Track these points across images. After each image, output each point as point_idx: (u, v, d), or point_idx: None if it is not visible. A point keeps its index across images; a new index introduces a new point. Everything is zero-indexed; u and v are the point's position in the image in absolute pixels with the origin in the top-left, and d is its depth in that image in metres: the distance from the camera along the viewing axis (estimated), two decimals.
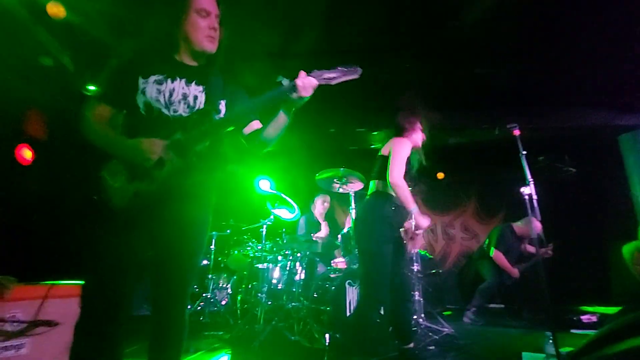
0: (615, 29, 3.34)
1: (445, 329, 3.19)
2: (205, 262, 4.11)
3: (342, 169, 3.24)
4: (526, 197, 2.16)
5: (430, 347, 2.80)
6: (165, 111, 1.31)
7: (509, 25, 3.24)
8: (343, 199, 4.37)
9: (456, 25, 3.14)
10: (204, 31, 1.35)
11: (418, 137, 2.36)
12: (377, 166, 2.31)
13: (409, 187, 2.12)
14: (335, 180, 3.41)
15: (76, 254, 1.22)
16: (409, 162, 2.19)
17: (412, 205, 2.06)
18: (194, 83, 1.37)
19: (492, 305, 4.37)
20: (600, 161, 5.29)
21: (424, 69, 3.79)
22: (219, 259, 4.17)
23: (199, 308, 3.78)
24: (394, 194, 2.13)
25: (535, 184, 2.20)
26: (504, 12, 3.06)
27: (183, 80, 1.35)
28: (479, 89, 4.15)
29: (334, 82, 1.30)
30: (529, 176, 2.19)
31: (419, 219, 2.08)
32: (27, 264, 3.16)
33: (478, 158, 5.47)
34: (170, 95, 1.33)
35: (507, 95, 4.23)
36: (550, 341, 1.91)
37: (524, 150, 2.27)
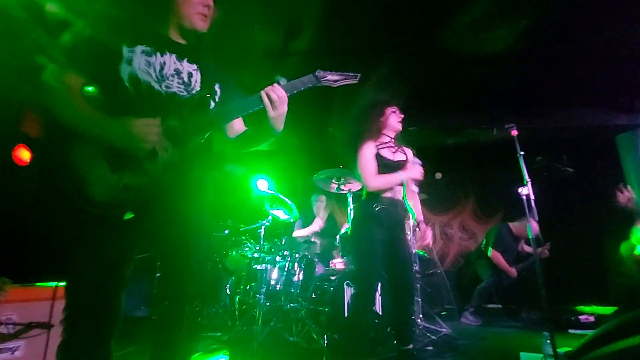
0: (613, 29, 3.35)
1: (443, 329, 3.19)
2: None
3: (340, 168, 3.24)
4: (524, 197, 2.16)
5: (429, 348, 2.79)
6: (156, 86, 1.15)
7: (508, 26, 3.25)
8: (342, 199, 4.36)
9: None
10: (197, 7, 1.22)
11: (394, 121, 2.27)
12: None
13: None
14: (333, 180, 3.41)
15: (65, 253, 1.11)
16: (379, 157, 2.16)
17: (398, 178, 2.09)
18: (185, 60, 1.23)
19: (490, 306, 4.37)
20: (598, 161, 5.30)
21: (422, 69, 3.79)
22: (217, 259, 4.15)
23: (196, 309, 3.75)
24: (382, 195, 2.15)
25: (533, 184, 2.20)
26: (503, 13, 3.07)
27: (174, 56, 1.21)
28: (478, 89, 4.15)
29: (336, 85, 1.33)
30: (526, 176, 2.19)
31: (410, 175, 2.12)
32: (22, 266, 3.14)
33: (476, 158, 5.48)
34: (162, 68, 1.17)
35: (506, 95, 4.23)
36: (548, 341, 1.91)
37: (521, 150, 2.27)
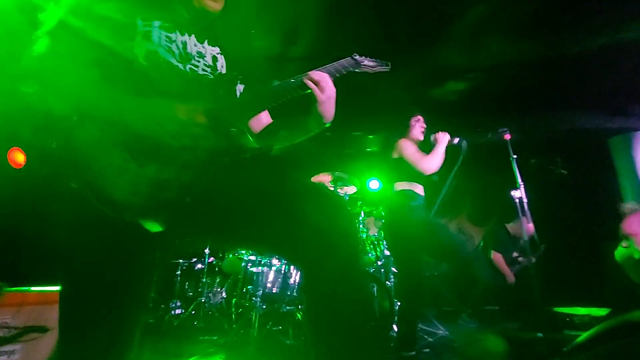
0: (605, 34, 3.40)
1: (440, 331, 3.20)
2: (199, 265, 4.10)
3: (336, 172, 3.26)
4: (517, 199, 2.19)
5: (425, 350, 2.80)
6: (180, 66, 0.98)
7: (501, 30, 3.29)
8: None
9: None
10: None
11: (417, 131, 2.54)
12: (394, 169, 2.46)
13: None
14: (329, 183, 3.43)
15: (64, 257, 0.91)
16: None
17: (440, 150, 2.32)
18: (206, 42, 1.08)
19: (486, 307, 4.38)
20: (591, 163, 5.36)
21: (417, 74, 3.83)
22: (214, 262, 4.15)
23: (193, 312, 3.76)
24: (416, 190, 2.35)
25: (527, 186, 2.25)
26: (496, 18, 3.12)
27: (193, 36, 1.04)
28: (473, 94, 4.20)
29: (373, 71, 1.27)
30: (519, 179, 2.22)
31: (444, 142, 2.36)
32: (18, 269, 3.13)
33: (472, 161, 5.52)
34: (185, 47, 1.00)
35: (501, 99, 4.28)
36: None
37: (515, 154, 2.31)
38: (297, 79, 1.00)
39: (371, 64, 1.25)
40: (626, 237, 1.91)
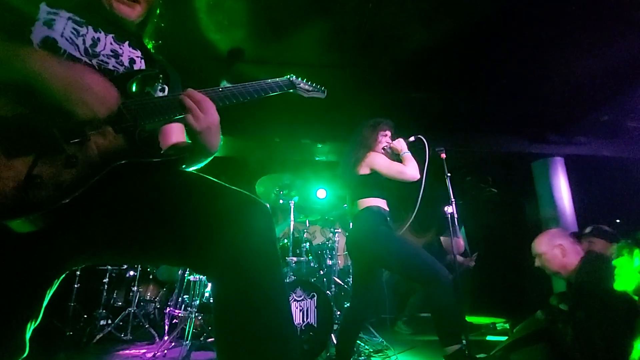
0: (529, 69, 3.83)
1: (375, 339, 3.30)
2: (131, 272, 3.81)
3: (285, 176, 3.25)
4: (448, 215, 2.35)
5: (360, 358, 2.86)
6: (83, 58, 0.88)
7: (443, 54, 3.56)
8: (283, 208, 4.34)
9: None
10: None
11: (382, 145, 2.48)
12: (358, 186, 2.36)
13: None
14: (276, 189, 3.40)
15: None
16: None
17: (410, 156, 2.31)
18: (127, 43, 0.99)
19: (422, 315, 4.60)
20: (516, 183, 5.95)
21: (364, 88, 3.98)
22: (147, 269, 3.88)
23: (121, 324, 3.47)
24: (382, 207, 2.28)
25: (464, 202, 2.41)
26: (439, 42, 3.36)
27: (110, 36, 0.96)
28: (413, 112, 4.44)
29: (307, 95, 1.28)
30: (451, 196, 2.38)
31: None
32: None
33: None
34: (94, 44, 0.91)
35: (440, 119, 4.60)
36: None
37: (449, 172, 2.47)
38: (175, 96, 0.88)
39: (307, 87, 1.25)
40: (538, 256, 2.12)
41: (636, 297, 1.57)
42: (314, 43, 3.33)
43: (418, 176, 2.25)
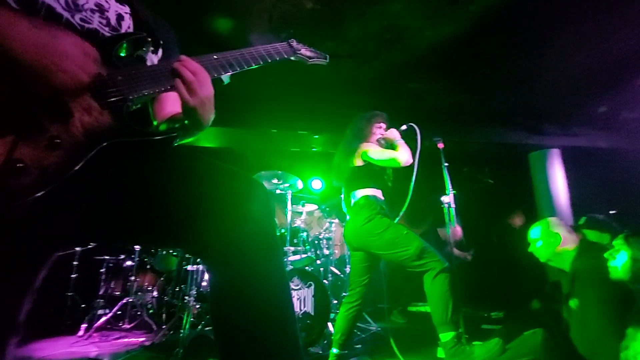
0: (526, 61, 3.81)
1: (372, 328, 3.33)
2: (128, 262, 3.81)
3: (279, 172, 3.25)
4: (446, 205, 2.35)
5: (357, 346, 2.89)
6: (65, 14, 0.75)
7: (440, 46, 3.52)
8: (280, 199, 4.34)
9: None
10: None
11: (377, 137, 2.50)
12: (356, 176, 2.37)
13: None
14: (273, 180, 3.38)
15: None
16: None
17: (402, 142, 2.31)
18: None
19: (418, 304, 4.65)
20: (513, 175, 5.96)
21: (361, 79, 3.94)
22: (145, 259, 3.88)
23: (119, 313, 3.48)
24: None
25: (460, 193, 2.40)
26: (437, 34, 3.33)
27: None
28: (412, 102, 4.43)
29: (309, 62, 1.17)
30: (449, 186, 2.38)
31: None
32: None
33: (409, 168, 5.85)
34: None
35: (438, 110, 4.58)
36: None
37: (446, 162, 2.47)
38: (167, 66, 0.79)
39: (309, 53, 1.14)
40: (533, 242, 2.14)
41: (631, 286, 1.59)
42: (311, 33, 3.28)
43: (411, 160, 2.25)
